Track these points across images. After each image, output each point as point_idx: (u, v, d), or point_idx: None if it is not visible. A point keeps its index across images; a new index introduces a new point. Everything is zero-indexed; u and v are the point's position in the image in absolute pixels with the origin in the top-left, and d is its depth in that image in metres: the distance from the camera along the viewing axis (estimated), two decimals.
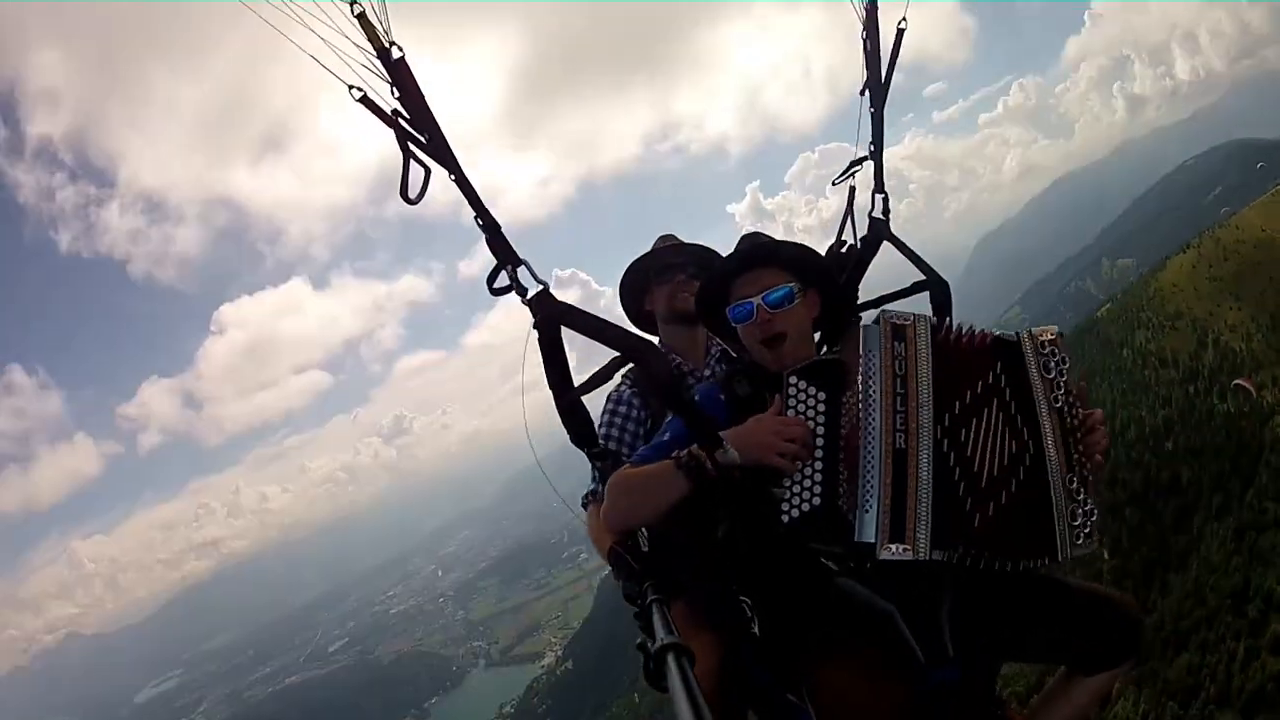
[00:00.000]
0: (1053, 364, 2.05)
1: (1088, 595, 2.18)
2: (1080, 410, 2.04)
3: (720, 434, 2.04)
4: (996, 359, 2.05)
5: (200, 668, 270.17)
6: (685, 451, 2.05)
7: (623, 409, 2.84)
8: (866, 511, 1.90)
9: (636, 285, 3.05)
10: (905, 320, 2.03)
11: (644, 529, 2.38)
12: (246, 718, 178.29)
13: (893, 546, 1.88)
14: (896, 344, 1.99)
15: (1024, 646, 2.22)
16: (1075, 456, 2.01)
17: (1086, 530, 1.98)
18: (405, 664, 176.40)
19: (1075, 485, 1.99)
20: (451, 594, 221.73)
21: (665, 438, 2.21)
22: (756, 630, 2.09)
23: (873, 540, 1.88)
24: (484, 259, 2.02)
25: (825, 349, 2.47)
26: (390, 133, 1.92)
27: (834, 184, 2.84)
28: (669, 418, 2.30)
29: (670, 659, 1.56)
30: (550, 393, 2.25)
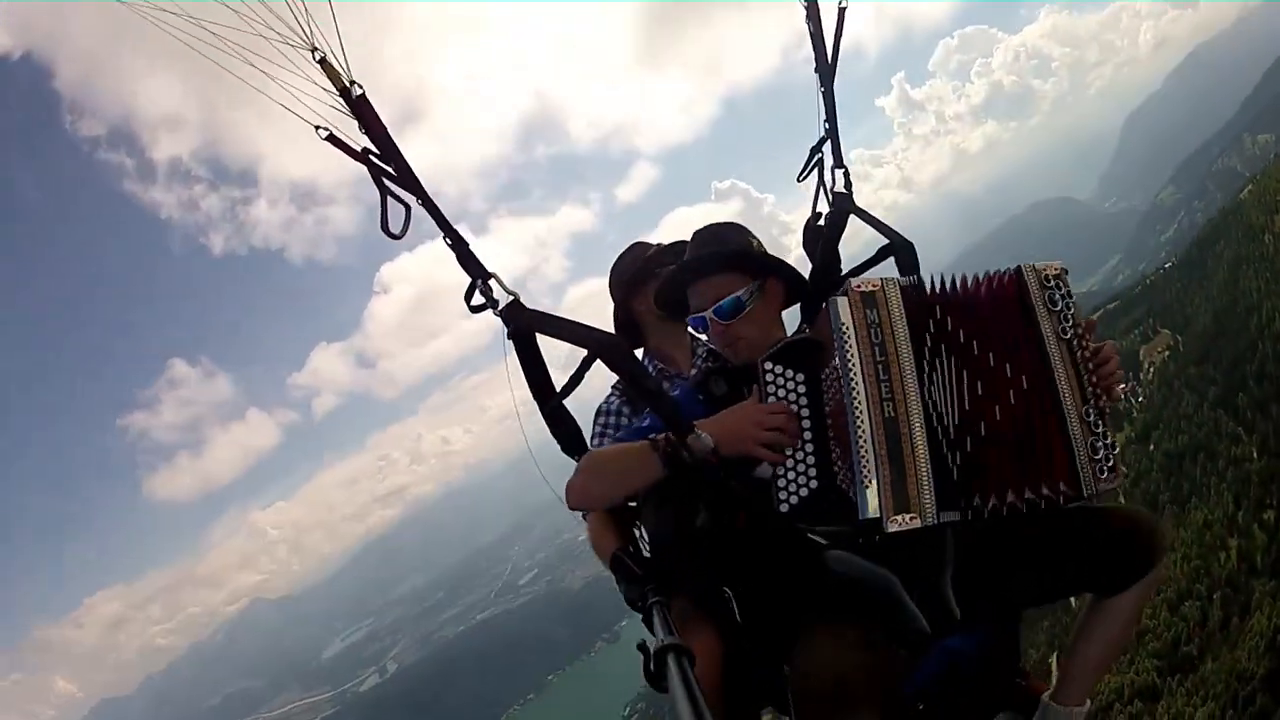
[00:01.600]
0: (1058, 296, 1.97)
1: (1083, 517, 2.04)
2: (1090, 342, 1.96)
3: (696, 425, 2.02)
4: (936, 303, 1.97)
5: (390, 614, 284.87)
6: (663, 435, 2.03)
7: (613, 419, 2.88)
8: (867, 487, 1.81)
9: (627, 280, 3.01)
10: (874, 286, 1.96)
11: (644, 534, 2.47)
12: (437, 657, 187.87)
13: (899, 517, 1.79)
14: (869, 311, 1.92)
15: (1035, 590, 2.08)
16: (1089, 389, 1.92)
17: (1110, 464, 1.87)
18: (595, 589, 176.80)
19: (1093, 418, 1.89)
20: None
21: (644, 424, 2.23)
22: (738, 618, 2.09)
23: (878, 515, 1.79)
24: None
25: (800, 327, 2.37)
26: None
27: (800, 179, 2.79)
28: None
29: (670, 659, 1.59)
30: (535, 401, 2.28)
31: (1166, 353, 76.97)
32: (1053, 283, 2.00)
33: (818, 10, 2.60)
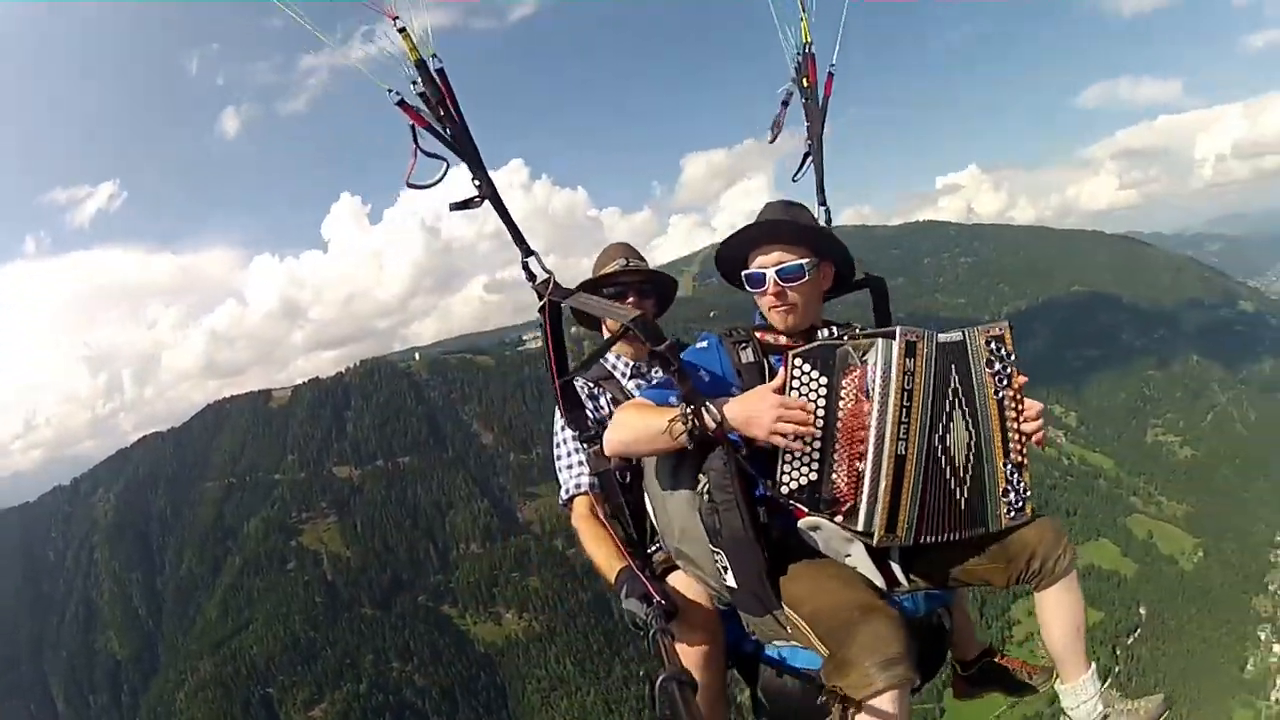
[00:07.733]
0: (997, 361, 2.27)
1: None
2: (1019, 404, 2.29)
3: (719, 402, 2.17)
4: (951, 362, 2.24)
5: None
6: (690, 409, 2.14)
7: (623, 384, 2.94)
8: (873, 506, 2.17)
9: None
10: (918, 337, 2.19)
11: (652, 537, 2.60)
12: None
13: (887, 536, 2.18)
14: (908, 360, 2.18)
15: (953, 575, 2.39)
16: (1012, 444, 2.29)
17: (1019, 506, 2.28)
18: None
19: (1009, 470, 2.28)
20: None
21: (665, 379, 2.30)
22: (731, 582, 2.26)
23: (873, 530, 2.17)
24: None
25: (831, 329, 2.53)
26: None
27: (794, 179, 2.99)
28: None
29: (674, 690, 1.75)
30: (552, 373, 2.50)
31: None
32: (994, 345, 2.30)
33: (813, 73, 2.88)
